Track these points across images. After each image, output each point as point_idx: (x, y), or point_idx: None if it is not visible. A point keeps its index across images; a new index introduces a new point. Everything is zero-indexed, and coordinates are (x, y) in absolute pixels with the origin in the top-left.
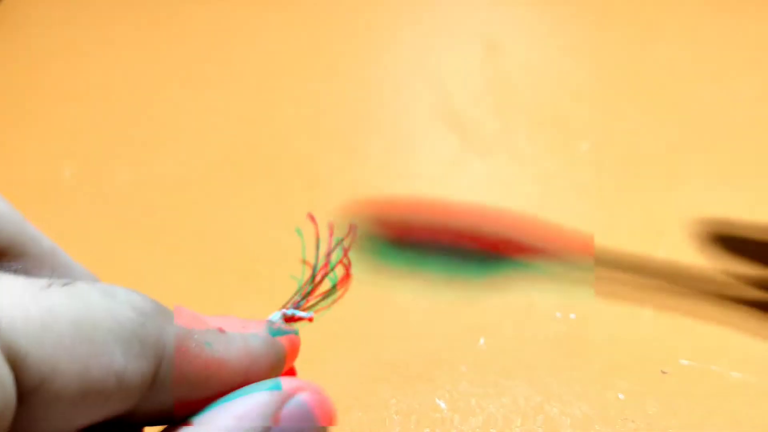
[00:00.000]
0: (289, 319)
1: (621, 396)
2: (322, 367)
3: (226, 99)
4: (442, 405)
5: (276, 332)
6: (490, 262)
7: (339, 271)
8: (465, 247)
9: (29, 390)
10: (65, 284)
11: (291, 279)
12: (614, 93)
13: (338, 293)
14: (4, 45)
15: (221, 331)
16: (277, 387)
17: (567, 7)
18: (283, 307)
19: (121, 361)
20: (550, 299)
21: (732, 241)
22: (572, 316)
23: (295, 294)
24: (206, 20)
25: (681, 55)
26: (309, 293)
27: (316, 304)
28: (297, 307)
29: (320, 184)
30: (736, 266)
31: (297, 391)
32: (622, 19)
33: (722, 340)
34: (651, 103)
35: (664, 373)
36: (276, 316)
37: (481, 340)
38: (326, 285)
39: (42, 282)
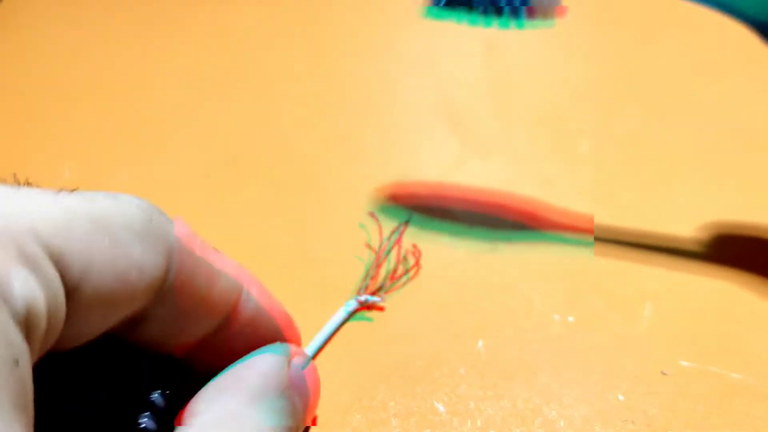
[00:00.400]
0: (363, 306)
1: (621, 397)
2: (320, 369)
3: (226, 99)
4: (441, 408)
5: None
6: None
7: (410, 258)
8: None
9: (71, 288)
10: (72, 191)
11: (357, 262)
12: (614, 93)
13: (407, 278)
14: (4, 45)
15: (216, 250)
16: (279, 350)
17: (567, 6)
18: (357, 293)
19: (138, 253)
20: (548, 302)
21: (734, 242)
22: (570, 318)
23: (364, 281)
24: (206, 21)
25: (681, 54)
26: (372, 279)
27: (386, 289)
28: (370, 293)
29: (319, 185)
30: (737, 267)
31: (294, 354)
32: (622, 18)
33: (723, 341)
34: (651, 103)
35: (664, 374)
36: (351, 303)
37: (480, 343)
38: (395, 271)
39: (52, 191)
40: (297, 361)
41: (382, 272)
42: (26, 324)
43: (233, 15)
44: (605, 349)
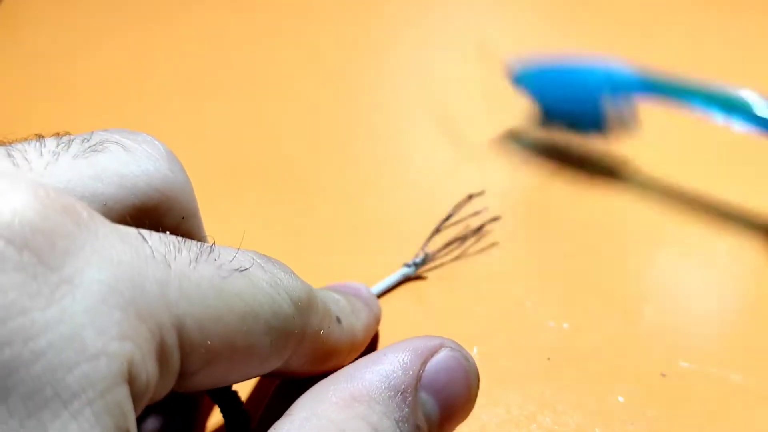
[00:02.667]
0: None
1: (621, 399)
2: None
3: (221, 104)
4: None
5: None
6: None
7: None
8: None
9: (188, 373)
10: (242, 271)
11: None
12: None
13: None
14: (5, 45)
15: (339, 321)
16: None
17: (563, 12)
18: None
19: (267, 351)
20: (543, 308)
21: (733, 242)
22: (565, 325)
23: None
24: (204, 24)
25: (679, 60)
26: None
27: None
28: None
29: (313, 191)
30: (737, 267)
31: (439, 348)
32: (619, 24)
33: (723, 342)
34: (649, 108)
35: (663, 375)
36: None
37: (475, 349)
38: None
39: (225, 264)
40: (442, 356)
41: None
42: (136, 401)
43: (229, 20)
44: (603, 352)
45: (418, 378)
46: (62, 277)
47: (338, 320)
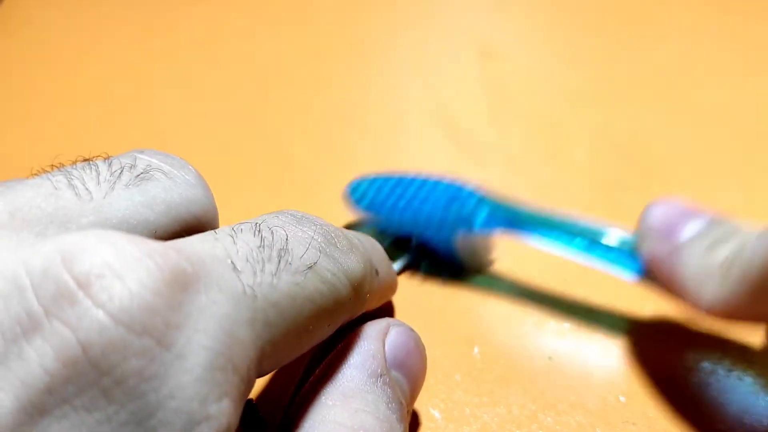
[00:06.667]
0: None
1: (622, 399)
2: None
3: (222, 103)
4: (437, 414)
5: None
6: None
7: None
8: None
9: (261, 373)
10: (312, 266)
11: None
12: (611, 99)
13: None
14: (4, 45)
15: (377, 273)
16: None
17: (563, 13)
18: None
19: (325, 335)
20: (544, 308)
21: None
22: (566, 325)
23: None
24: (204, 24)
25: (679, 60)
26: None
27: None
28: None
29: (314, 191)
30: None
31: (387, 328)
32: (619, 25)
33: (724, 340)
34: (649, 109)
35: (665, 375)
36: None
37: (476, 349)
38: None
39: (300, 266)
40: (393, 335)
41: None
42: None
43: (229, 18)
44: (604, 352)
45: (385, 359)
46: (174, 354)
47: (377, 272)
